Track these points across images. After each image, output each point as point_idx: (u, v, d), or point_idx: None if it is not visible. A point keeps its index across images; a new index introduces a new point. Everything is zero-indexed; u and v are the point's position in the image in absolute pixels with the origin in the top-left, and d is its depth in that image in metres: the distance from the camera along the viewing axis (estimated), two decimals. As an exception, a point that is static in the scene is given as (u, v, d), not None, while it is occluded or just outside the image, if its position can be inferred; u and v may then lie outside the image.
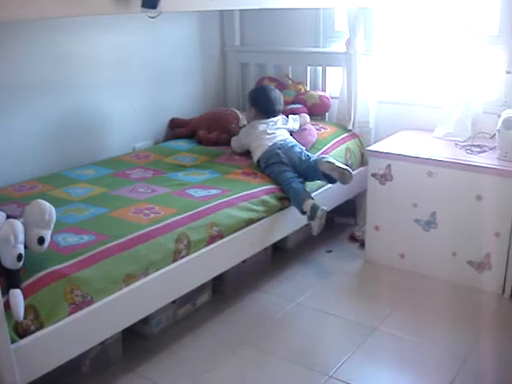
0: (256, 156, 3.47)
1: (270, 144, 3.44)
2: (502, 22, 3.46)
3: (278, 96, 3.69)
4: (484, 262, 3.20)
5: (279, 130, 3.56)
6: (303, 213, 3.20)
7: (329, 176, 3.24)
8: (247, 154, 3.61)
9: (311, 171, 3.30)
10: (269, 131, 3.53)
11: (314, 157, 3.38)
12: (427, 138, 3.65)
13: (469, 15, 3.40)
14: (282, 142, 3.44)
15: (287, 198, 3.25)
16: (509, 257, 3.12)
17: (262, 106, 3.64)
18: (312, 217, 3.16)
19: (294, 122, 3.71)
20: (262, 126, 3.57)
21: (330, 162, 3.21)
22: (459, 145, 3.47)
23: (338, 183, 3.28)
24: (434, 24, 3.72)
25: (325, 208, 3.17)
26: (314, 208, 3.14)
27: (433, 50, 3.76)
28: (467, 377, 2.54)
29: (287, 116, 3.73)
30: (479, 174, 3.12)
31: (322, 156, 3.41)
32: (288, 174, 3.29)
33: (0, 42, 3.12)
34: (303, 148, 3.48)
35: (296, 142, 3.50)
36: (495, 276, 3.18)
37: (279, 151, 3.37)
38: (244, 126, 3.88)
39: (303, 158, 3.36)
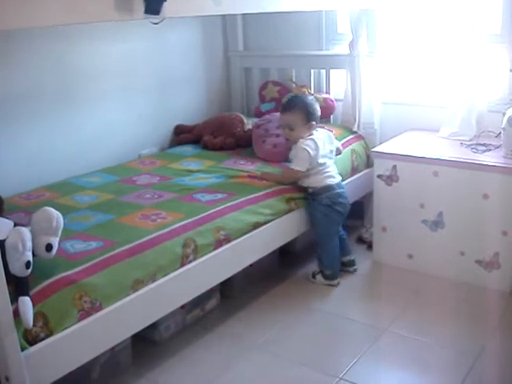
0: (315, 182, 3.26)
1: (335, 182, 3.30)
2: (505, 20, 3.46)
3: None
4: (492, 261, 3.19)
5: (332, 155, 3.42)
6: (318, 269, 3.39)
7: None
8: (253, 156, 3.64)
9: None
10: (329, 155, 3.35)
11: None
12: (432, 138, 3.65)
13: (471, 14, 3.39)
14: (343, 190, 3.34)
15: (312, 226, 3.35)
16: (517, 255, 3.11)
17: (317, 119, 3.37)
18: (313, 278, 3.40)
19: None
20: (320, 142, 3.29)
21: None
22: (465, 144, 3.46)
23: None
24: (436, 24, 3.72)
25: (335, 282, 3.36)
26: (324, 277, 3.36)
27: (436, 50, 3.76)
28: (478, 376, 2.53)
29: None
30: (485, 172, 3.12)
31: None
32: (337, 231, 3.38)
33: (4, 51, 3.15)
34: None
35: None
36: (504, 275, 3.18)
37: (345, 201, 3.33)
38: (248, 130, 3.88)
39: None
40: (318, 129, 3.37)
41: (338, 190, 3.29)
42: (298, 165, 3.23)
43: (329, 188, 3.26)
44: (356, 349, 2.75)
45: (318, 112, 3.36)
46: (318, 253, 3.38)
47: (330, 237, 3.31)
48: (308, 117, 3.27)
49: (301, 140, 3.24)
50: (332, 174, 3.32)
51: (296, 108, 3.30)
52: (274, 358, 2.73)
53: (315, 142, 3.23)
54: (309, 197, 3.30)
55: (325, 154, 3.29)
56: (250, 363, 2.70)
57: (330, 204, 3.25)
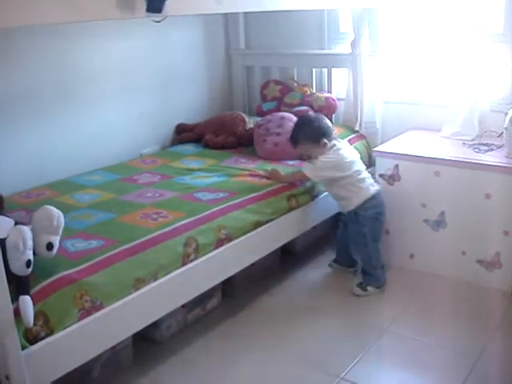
0: (360, 198, 3.16)
1: (377, 189, 3.23)
2: (507, 19, 3.45)
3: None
4: (493, 261, 3.18)
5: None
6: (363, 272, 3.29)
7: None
8: (254, 155, 3.63)
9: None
10: (359, 161, 3.26)
11: None
12: (434, 137, 3.64)
13: (473, 13, 3.38)
14: (383, 199, 3.29)
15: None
16: (518, 255, 3.10)
17: (330, 130, 3.23)
18: (364, 290, 3.24)
19: None
20: (343, 151, 3.20)
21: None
22: (467, 144, 3.45)
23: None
24: (438, 23, 3.71)
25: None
26: (376, 287, 3.25)
27: (438, 49, 3.75)
28: (479, 377, 2.52)
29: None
30: (487, 172, 3.11)
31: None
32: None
33: (3, 49, 3.14)
34: None
35: None
36: (505, 274, 3.17)
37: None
38: (250, 129, 3.88)
39: None
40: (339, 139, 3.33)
41: (381, 199, 3.25)
42: (312, 173, 3.17)
43: (374, 197, 3.19)
44: (357, 349, 2.75)
45: (326, 125, 3.22)
46: (365, 270, 3.27)
47: (378, 250, 3.27)
48: (317, 140, 3.16)
49: (321, 156, 3.17)
50: (372, 181, 3.26)
51: (301, 140, 3.22)
52: (274, 357, 2.72)
53: (338, 153, 3.15)
54: (350, 215, 3.24)
55: (353, 159, 3.21)
56: (251, 362, 2.69)
57: (376, 216, 3.21)
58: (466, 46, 3.46)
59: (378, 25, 3.81)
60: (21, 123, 3.27)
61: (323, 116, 3.35)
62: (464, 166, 3.18)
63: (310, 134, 3.19)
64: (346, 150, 3.22)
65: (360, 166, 3.24)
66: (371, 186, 3.22)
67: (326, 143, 3.15)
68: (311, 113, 3.48)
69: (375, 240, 3.24)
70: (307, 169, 3.20)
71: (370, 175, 3.29)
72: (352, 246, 3.32)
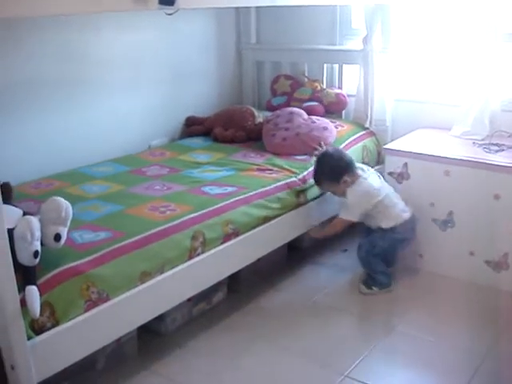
0: (388, 223, 3.16)
1: (409, 215, 3.19)
2: (521, 19, 3.43)
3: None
4: (501, 262, 3.17)
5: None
6: (368, 283, 3.23)
7: None
8: (263, 149, 3.61)
9: None
10: (388, 186, 3.27)
11: None
12: (444, 136, 3.62)
13: (486, 12, 3.36)
14: (415, 224, 3.28)
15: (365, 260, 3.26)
16: (527, 256, 3.09)
17: (350, 166, 3.19)
18: (369, 289, 3.22)
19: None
20: (371, 178, 3.20)
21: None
22: (477, 143, 3.43)
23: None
24: (451, 21, 3.69)
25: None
26: (381, 288, 3.22)
27: (450, 48, 3.72)
28: (485, 377, 2.51)
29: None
30: (497, 172, 3.09)
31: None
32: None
33: (17, 40, 3.14)
34: None
35: None
36: (513, 275, 3.16)
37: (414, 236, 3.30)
38: (259, 123, 3.86)
39: None
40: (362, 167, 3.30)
41: (412, 225, 3.23)
42: (349, 214, 3.16)
43: (406, 221, 3.18)
44: (362, 346, 2.74)
45: (344, 163, 3.17)
46: (370, 273, 3.25)
47: (378, 262, 3.25)
48: (337, 179, 3.14)
49: (348, 190, 3.14)
50: (403, 205, 3.22)
51: (322, 180, 3.24)
52: (278, 352, 2.72)
53: (365, 183, 3.14)
54: (377, 229, 3.22)
55: (381, 185, 3.20)
56: (255, 357, 2.69)
57: (399, 240, 3.21)
58: (479, 45, 3.44)
59: (391, 22, 3.79)
60: (23, 112, 3.25)
61: (341, 151, 3.34)
62: (474, 165, 3.16)
63: (329, 175, 3.19)
64: (372, 177, 3.20)
65: (388, 190, 3.22)
66: (402, 212, 3.19)
67: (346, 180, 3.13)
68: (330, 149, 3.36)
69: (380, 258, 3.22)
70: (343, 213, 3.18)
71: (399, 196, 3.25)
72: (358, 246, 3.29)
